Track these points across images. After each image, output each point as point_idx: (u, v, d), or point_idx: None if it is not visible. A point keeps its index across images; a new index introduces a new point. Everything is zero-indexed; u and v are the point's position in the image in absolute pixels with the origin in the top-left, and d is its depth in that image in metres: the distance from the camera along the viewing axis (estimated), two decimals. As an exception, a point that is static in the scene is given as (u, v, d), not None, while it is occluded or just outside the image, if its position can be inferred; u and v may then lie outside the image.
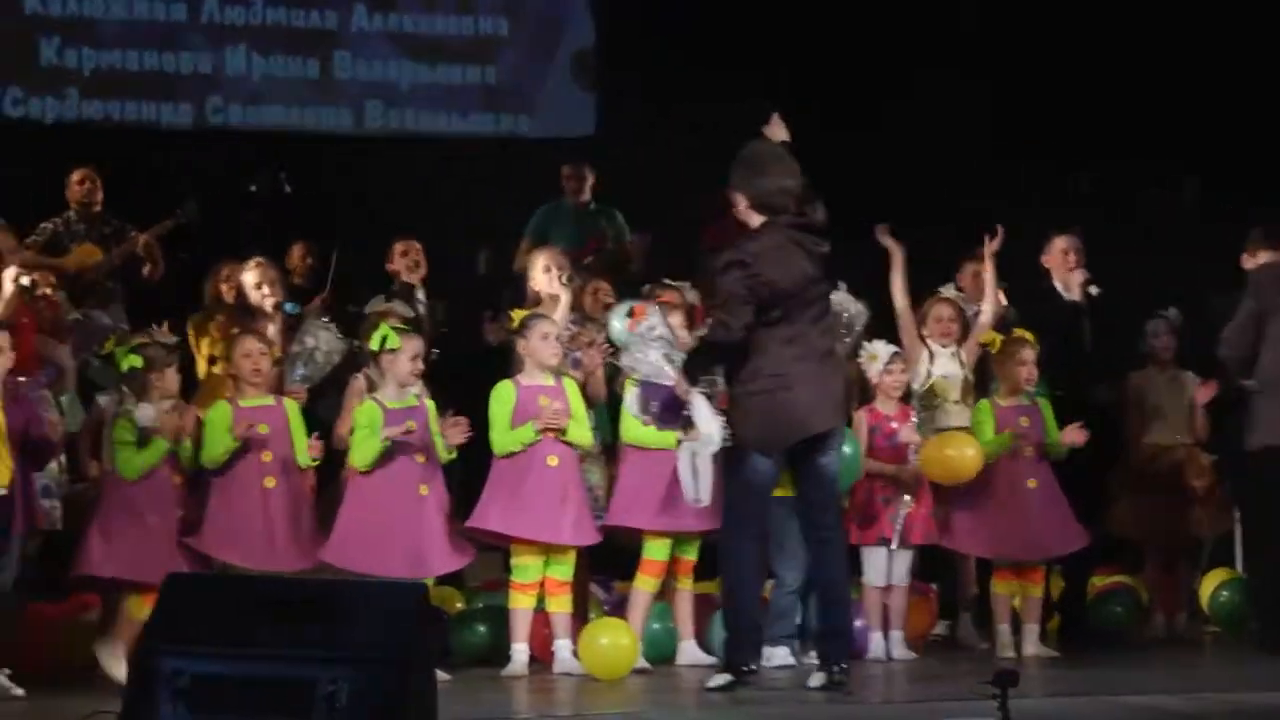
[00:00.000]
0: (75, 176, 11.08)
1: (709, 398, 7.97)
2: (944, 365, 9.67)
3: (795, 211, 8.04)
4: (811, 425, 7.98)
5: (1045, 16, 12.85)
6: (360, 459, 8.54)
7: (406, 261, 10.67)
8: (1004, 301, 10.32)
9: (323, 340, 9.02)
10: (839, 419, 8.27)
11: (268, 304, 9.59)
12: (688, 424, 8.00)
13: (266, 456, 8.62)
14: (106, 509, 8.46)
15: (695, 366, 7.97)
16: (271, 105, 13.06)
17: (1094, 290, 10.11)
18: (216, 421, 8.64)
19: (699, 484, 8.06)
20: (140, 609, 8.29)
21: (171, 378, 8.59)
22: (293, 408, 8.78)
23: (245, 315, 9.59)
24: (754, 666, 8.06)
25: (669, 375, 7.95)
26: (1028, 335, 9.56)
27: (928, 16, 12.90)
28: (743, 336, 7.88)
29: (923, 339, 9.69)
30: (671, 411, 8.00)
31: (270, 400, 8.75)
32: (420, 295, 10.65)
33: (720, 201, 11.82)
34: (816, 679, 8.00)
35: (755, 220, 8.08)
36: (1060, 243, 10.24)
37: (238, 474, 8.60)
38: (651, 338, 8.04)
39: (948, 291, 9.88)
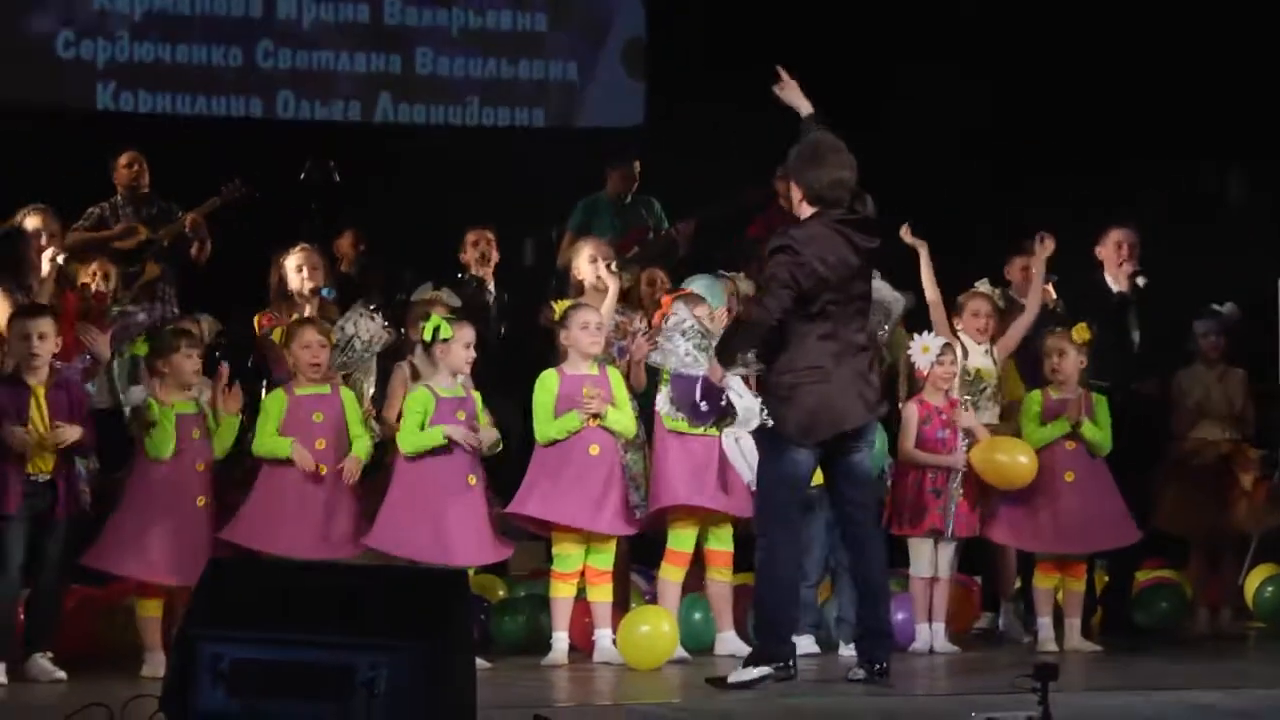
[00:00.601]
0: (123, 160, 11.11)
1: (746, 379, 7.97)
2: (977, 361, 9.61)
3: (847, 206, 8.00)
4: (847, 420, 7.95)
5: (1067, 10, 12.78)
6: (409, 444, 8.56)
7: (477, 252, 10.69)
8: (1053, 295, 10.30)
9: (363, 329, 9.01)
10: (873, 414, 8.21)
11: (307, 288, 9.62)
12: (721, 418, 7.99)
13: (320, 444, 8.63)
14: (126, 501, 8.49)
15: (725, 349, 7.89)
16: (321, 50, 13.07)
17: (1141, 281, 10.06)
18: (270, 409, 8.67)
19: (752, 465, 8.11)
20: (145, 609, 8.39)
21: (181, 363, 8.51)
22: (349, 396, 8.78)
23: (284, 299, 9.62)
24: (792, 663, 7.94)
25: (702, 365, 7.93)
26: (1081, 330, 9.47)
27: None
28: (778, 321, 7.81)
29: (955, 333, 9.64)
30: (704, 405, 7.94)
31: (326, 389, 8.74)
32: (490, 286, 10.67)
33: (767, 192, 11.89)
34: (857, 674, 8.00)
35: (807, 212, 8.03)
36: (1115, 235, 10.18)
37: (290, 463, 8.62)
38: (681, 330, 8.03)
39: (983, 286, 9.83)
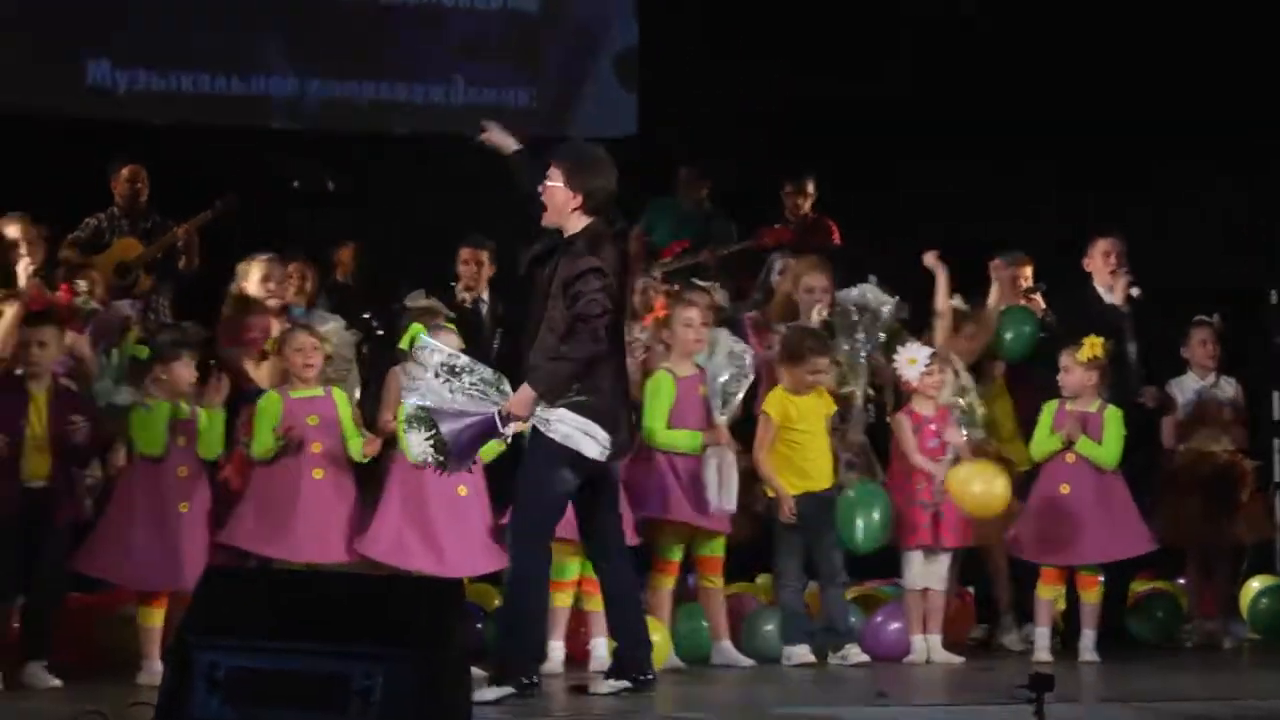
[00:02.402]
0: (125, 173, 11.16)
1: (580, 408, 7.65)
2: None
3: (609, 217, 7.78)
4: (624, 442, 7.84)
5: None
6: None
7: (467, 270, 10.63)
8: (1042, 305, 10.30)
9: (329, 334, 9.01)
10: (632, 447, 8.18)
11: (273, 301, 9.62)
12: (473, 458, 7.77)
13: (316, 448, 8.65)
14: (112, 505, 8.49)
15: (556, 386, 7.58)
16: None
17: (1136, 292, 10.06)
18: (266, 411, 8.66)
19: (723, 490, 8.23)
20: (146, 617, 8.37)
21: (180, 372, 8.47)
22: (342, 399, 8.77)
23: (244, 313, 9.60)
24: (536, 679, 7.79)
25: (492, 400, 7.58)
26: (1091, 346, 9.42)
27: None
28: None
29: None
30: (475, 445, 7.64)
31: (320, 391, 8.73)
32: (485, 298, 10.62)
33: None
34: (610, 686, 7.86)
35: (579, 222, 7.72)
36: (1102, 245, 10.20)
37: (286, 465, 8.62)
38: (447, 368, 7.57)
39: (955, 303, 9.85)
